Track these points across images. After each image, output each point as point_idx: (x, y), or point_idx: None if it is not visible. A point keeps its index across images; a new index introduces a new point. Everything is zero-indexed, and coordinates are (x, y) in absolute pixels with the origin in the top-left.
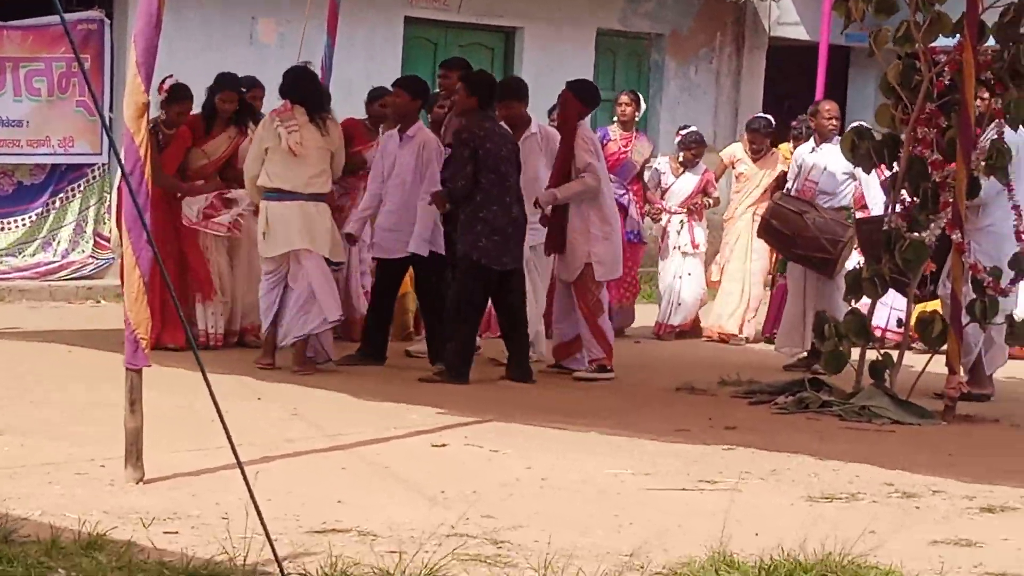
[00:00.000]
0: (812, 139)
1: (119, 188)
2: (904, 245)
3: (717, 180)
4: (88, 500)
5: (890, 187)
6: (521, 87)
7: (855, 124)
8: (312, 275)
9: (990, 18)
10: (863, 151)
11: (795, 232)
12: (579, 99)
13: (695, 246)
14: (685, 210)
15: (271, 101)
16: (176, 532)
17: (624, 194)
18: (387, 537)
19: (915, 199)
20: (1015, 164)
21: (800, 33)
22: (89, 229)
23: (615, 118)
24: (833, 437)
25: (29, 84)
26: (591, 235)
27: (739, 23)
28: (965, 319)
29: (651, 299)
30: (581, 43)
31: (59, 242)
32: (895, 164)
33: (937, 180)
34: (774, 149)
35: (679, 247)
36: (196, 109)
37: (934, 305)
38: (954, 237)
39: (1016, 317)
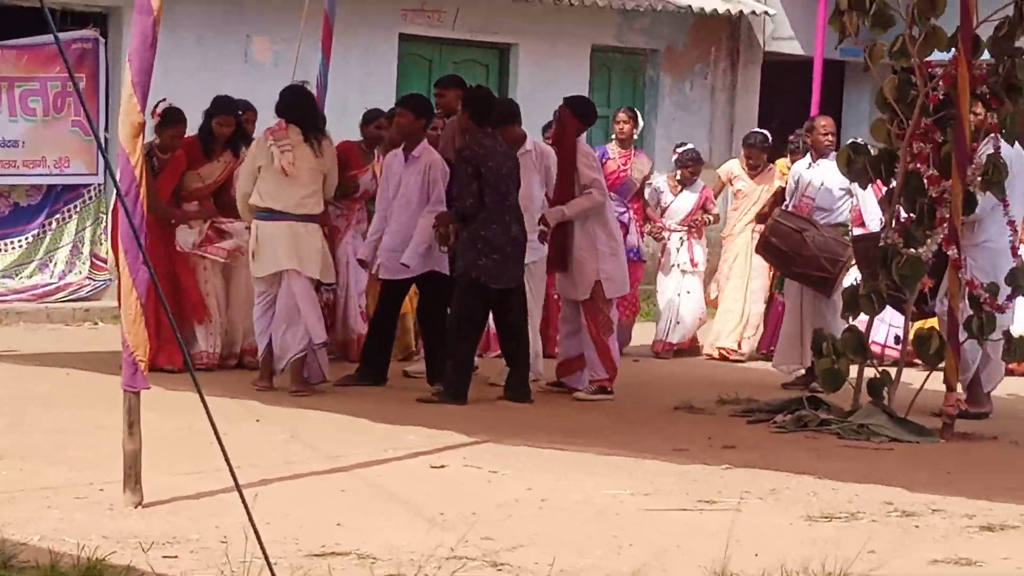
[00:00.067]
0: (809, 155)
1: (114, 209)
2: (901, 261)
3: (716, 197)
4: (87, 524)
5: (886, 203)
6: (513, 108)
7: (851, 140)
8: (299, 296)
9: (986, 32)
10: (859, 166)
11: (794, 250)
12: (576, 116)
13: (694, 264)
14: (685, 228)
15: (266, 120)
16: (175, 556)
17: (624, 212)
18: (386, 560)
19: (911, 215)
20: (1010, 179)
21: (795, 48)
22: (86, 250)
23: (613, 136)
24: (832, 456)
25: (24, 104)
26: (599, 252)
27: (734, 38)
28: (962, 336)
29: (649, 317)
30: (576, 59)
31: (56, 263)
32: (891, 179)
33: (933, 195)
34: (771, 165)
35: (678, 265)
36: (190, 131)
37: (932, 322)
38: (950, 253)
39: (1013, 333)
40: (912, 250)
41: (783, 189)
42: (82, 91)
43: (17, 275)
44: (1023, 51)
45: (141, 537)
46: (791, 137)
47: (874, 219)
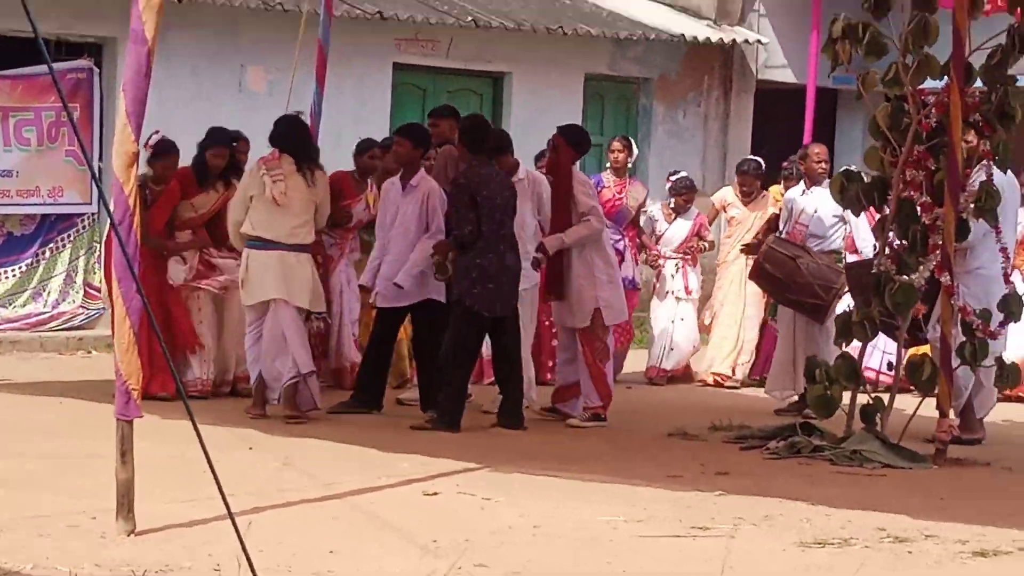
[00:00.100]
0: (802, 182)
1: (106, 239)
2: (894, 288)
3: (709, 224)
4: (80, 553)
5: (879, 230)
6: (504, 139)
7: (844, 167)
8: (285, 325)
9: (978, 60)
10: (852, 194)
11: (788, 277)
12: (571, 145)
13: (688, 292)
14: (680, 255)
15: (260, 150)
16: None
17: (620, 240)
18: None
19: (904, 242)
20: (1003, 206)
21: (788, 76)
22: (79, 279)
23: (608, 164)
24: (825, 482)
25: (19, 134)
26: (597, 280)
27: (726, 67)
28: (955, 362)
29: (642, 344)
30: (570, 88)
31: (49, 292)
32: (884, 206)
33: (926, 223)
34: (764, 191)
35: (673, 292)
36: (184, 161)
37: (925, 349)
38: (943, 280)
39: (1006, 359)
40: (905, 277)
41: (777, 216)
42: (76, 121)
43: (11, 304)
44: (1016, 79)
45: (134, 565)
46: (784, 164)
47: (867, 246)
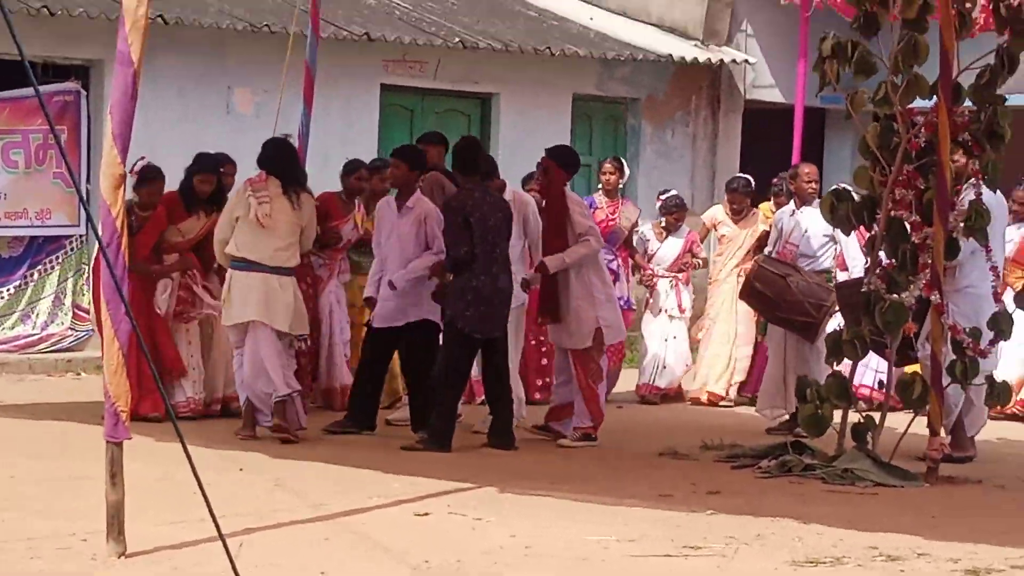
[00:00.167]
0: (792, 201)
1: (95, 262)
2: (884, 307)
3: (701, 243)
4: (70, 575)
5: (869, 249)
6: (489, 163)
7: (835, 187)
8: (262, 347)
9: (968, 80)
10: (842, 213)
11: (778, 295)
12: (561, 166)
13: (681, 310)
14: (673, 273)
15: (247, 172)
16: None
17: (613, 260)
18: None
19: (894, 261)
20: (992, 225)
21: (775, 96)
22: (68, 301)
23: (599, 185)
24: (817, 500)
25: (6, 156)
26: (595, 299)
27: (714, 86)
28: (945, 380)
29: (632, 363)
30: (558, 108)
31: (38, 314)
32: (874, 225)
33: (916, 241)
34: (754, 209)
35: (666, 310)
36: (170, 182)
37: (915, 367)
38: (933, 298)
39: (996, 377)
40: (895, 295)
41: (767, 233)
42: (63, 143)
43: (0, 326)
44: (1004, 99)
45: None
46: (774, 180)
47: (857, 265)
